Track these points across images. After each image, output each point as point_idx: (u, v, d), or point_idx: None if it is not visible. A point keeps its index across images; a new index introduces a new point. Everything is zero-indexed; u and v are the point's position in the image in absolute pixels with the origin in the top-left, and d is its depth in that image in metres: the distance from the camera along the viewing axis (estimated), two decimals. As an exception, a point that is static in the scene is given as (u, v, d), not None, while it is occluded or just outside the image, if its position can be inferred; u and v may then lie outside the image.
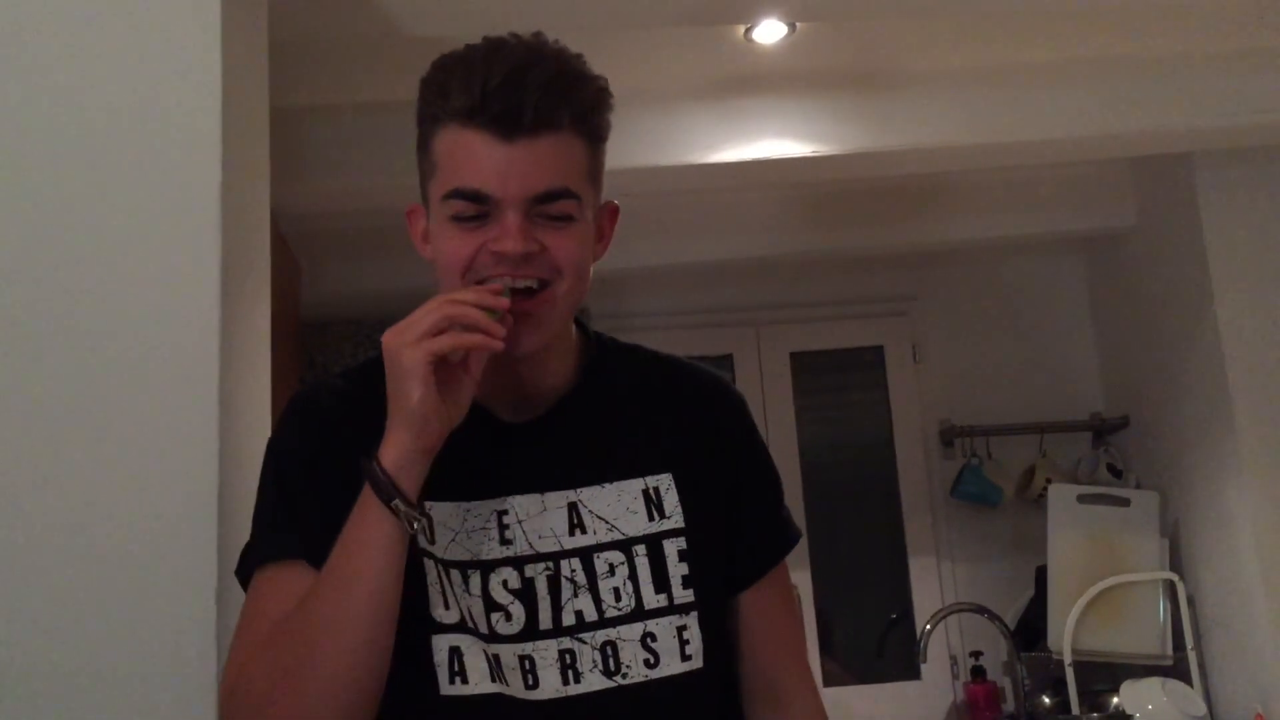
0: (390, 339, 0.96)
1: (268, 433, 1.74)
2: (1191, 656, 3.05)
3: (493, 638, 1.04)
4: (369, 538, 0.97)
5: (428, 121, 1.04)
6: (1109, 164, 3.36)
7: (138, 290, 1.50)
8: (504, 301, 0.98)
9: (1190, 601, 3.12)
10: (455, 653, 1.03)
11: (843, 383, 3.93)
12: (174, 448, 1.47)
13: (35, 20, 1.56)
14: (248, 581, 1.08)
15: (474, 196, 0.99)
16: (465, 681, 1.03)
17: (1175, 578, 3.12)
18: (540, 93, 0.98)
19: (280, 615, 1.00)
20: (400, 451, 0.96)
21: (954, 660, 3.52)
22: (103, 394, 1.47)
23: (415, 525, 0.97)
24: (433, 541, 1.03)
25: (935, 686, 3.51)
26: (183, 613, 1.42)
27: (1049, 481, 3.43)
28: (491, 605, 1.05)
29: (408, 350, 0.94)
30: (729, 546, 1.15)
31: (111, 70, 1.56)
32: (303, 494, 1.07)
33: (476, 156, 0.99)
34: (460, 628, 1.04)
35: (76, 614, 1.41)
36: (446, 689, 1.02)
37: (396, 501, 0.95)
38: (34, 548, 1.42)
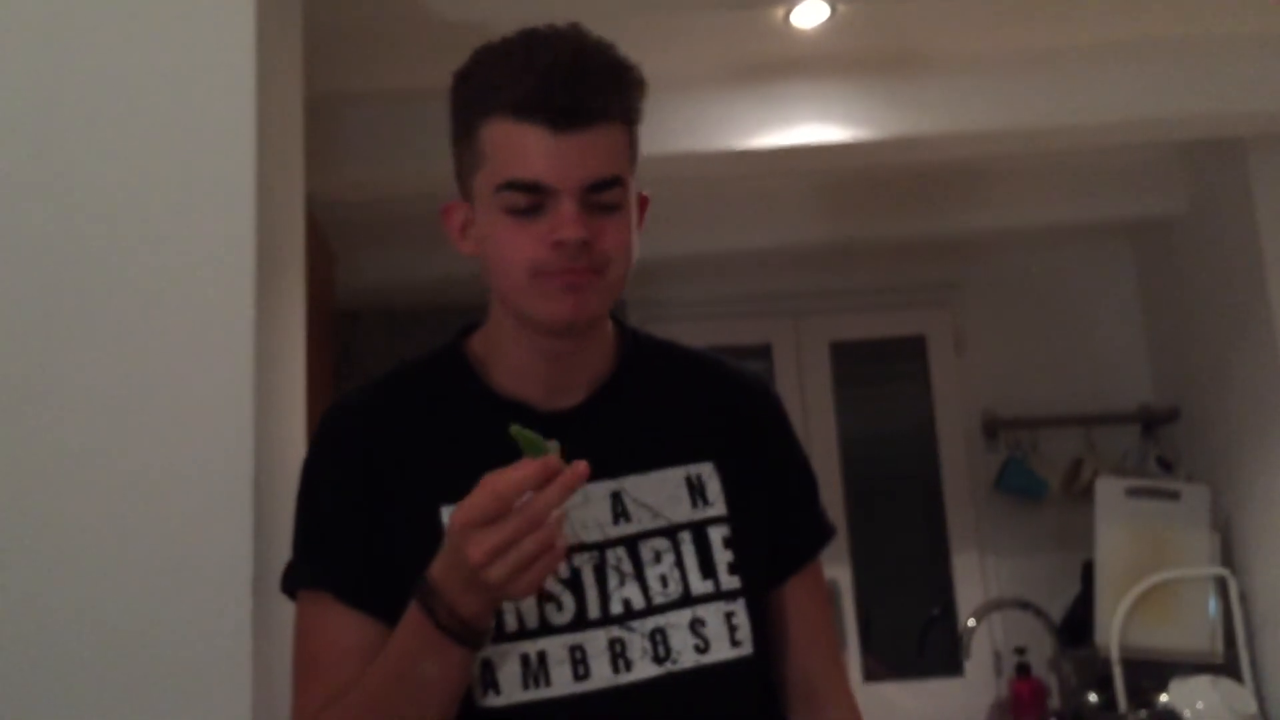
0: (486, 565, 0.91)
1: (302, 422, 1.74)
2: (1243, 654, 3.00)
3: (543, 630, 1.05)
4: (444, 673, 0.98)
5: (473, 114, 1.04)
6: (1159, 149, 3.29)
7: (173, 280, 1.50)
8: (584, 474, 0.92)
9: (1242, 598, 3.06)
10: (486, 665, 1.03)
11: (883, 373, 3.89)
12: (210, 437, 1.47)
13: (69, 8, 1.55)
14: (293, 595, 1.11)
15: (531, 187, 1.00)
16: (499, 693, 1.03)
17: (1226, 573, 3.07)
18: (590, 85, 1.01)
19: (330, 660, 1.04)
20: (482, 611, 0.97)
21: (998, 657, 3.47)
22: (139, 384, 1.47)
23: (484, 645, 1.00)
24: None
25: (978, 683, 3.47)
26: (218, 602, 1.42)
27: (1096, 474, 3.37)
28: (543, 595, 1.05)
29: (517, 588, 0.92)
30: (768, 539, 1.15)
31: (147, 59, 1.55)
32: (336, 527, 1.09)
33: (532, 149, 1.00)
34: (495, 637, 1.03)
35: (114, 610, 1.41)
36: (480, 702, 1.03)
37: (478, 639, 0.98)
38: (70, 543, 1.42)
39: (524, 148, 1.00)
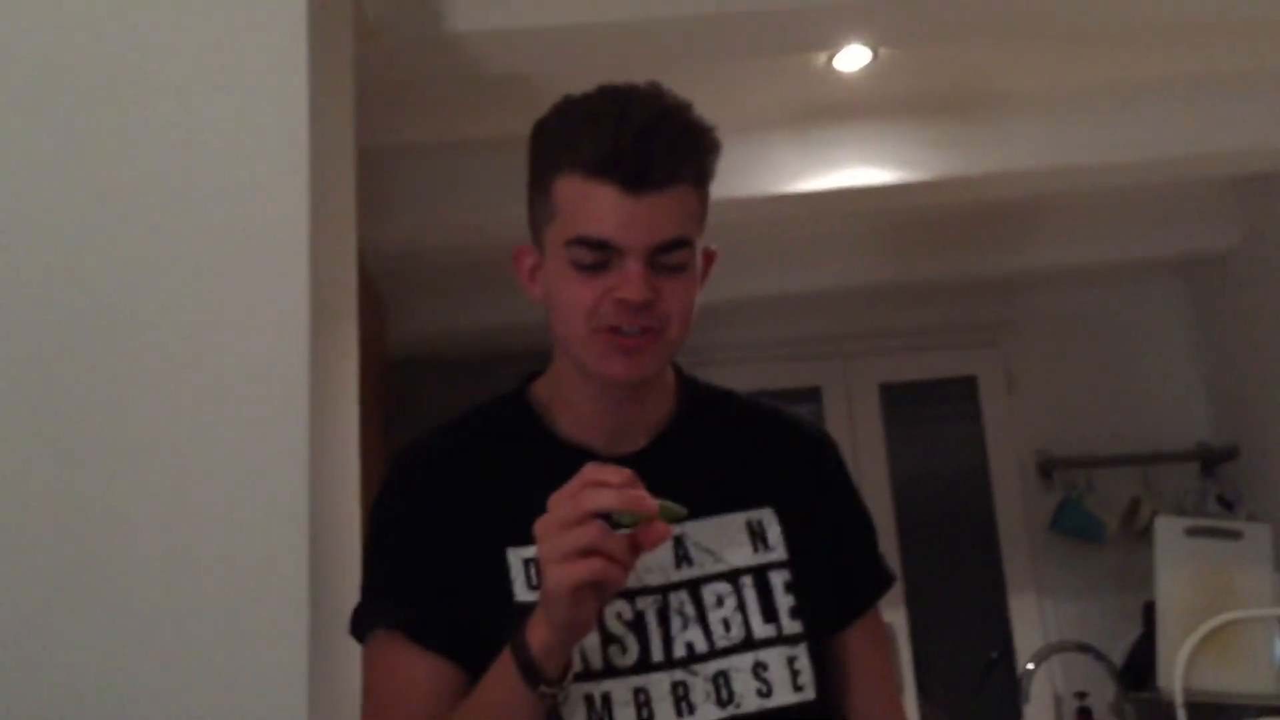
0: (543, 538, 0.95)
1: (357, 473, 1.76)
2: (1311, 697, 2.91)
3: (607, 672, 1.05)
4: (511, 706, 0.99)
5: (548, 167, 1.06)
6: (1210, 184, 3.27)
7: (229, 332, 1.52)
8: (652, 505, 0.95)
9: (1309, 639, 2.98)
10: (552, 714, 1.02)
11: (934, 414, 3.86)
12: (265, 489, 1.48)
13: (125, 64, 1.59)
14: (362, 638, 1.12)
15: (599, 245, 1.03)
16: None
17: (1292, 614, 2.98)
18: (668, 151, 1.02)
19: (401, 702, 1.05)
20: (546, 640, 0.97)
21: (1058, 701, 3.41)
22: (195, 435, 1.48)
23: (553, 701, 0.99)
24: (565, 703, 1.04)
25: (1039, 728, 3.40)
26: (275, 653, 1.42)
27: (1155, 514, 3.31)
28: (609, 638, 1.06)
29: (554, 568, 0.94)
30: (830, 585, 1.15)
31: (201, 116, 1.58)
32: (407, 570, 1.10)
33: (603, 208, 1.02)
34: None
35: (169, 659, 1.42)
36: None
37: (543, 687, 0.98)
38: (129, 595, 1.43)
39: (595, 206, 1.02)
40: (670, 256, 1.04)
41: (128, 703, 1.40)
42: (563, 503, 0.94)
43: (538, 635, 0.97)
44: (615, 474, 0.94)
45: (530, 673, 0.97)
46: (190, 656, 1.42)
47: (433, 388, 3.60)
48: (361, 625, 1.11)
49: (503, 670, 0.99)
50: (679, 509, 0.96)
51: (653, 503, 0.93)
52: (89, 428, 1.48)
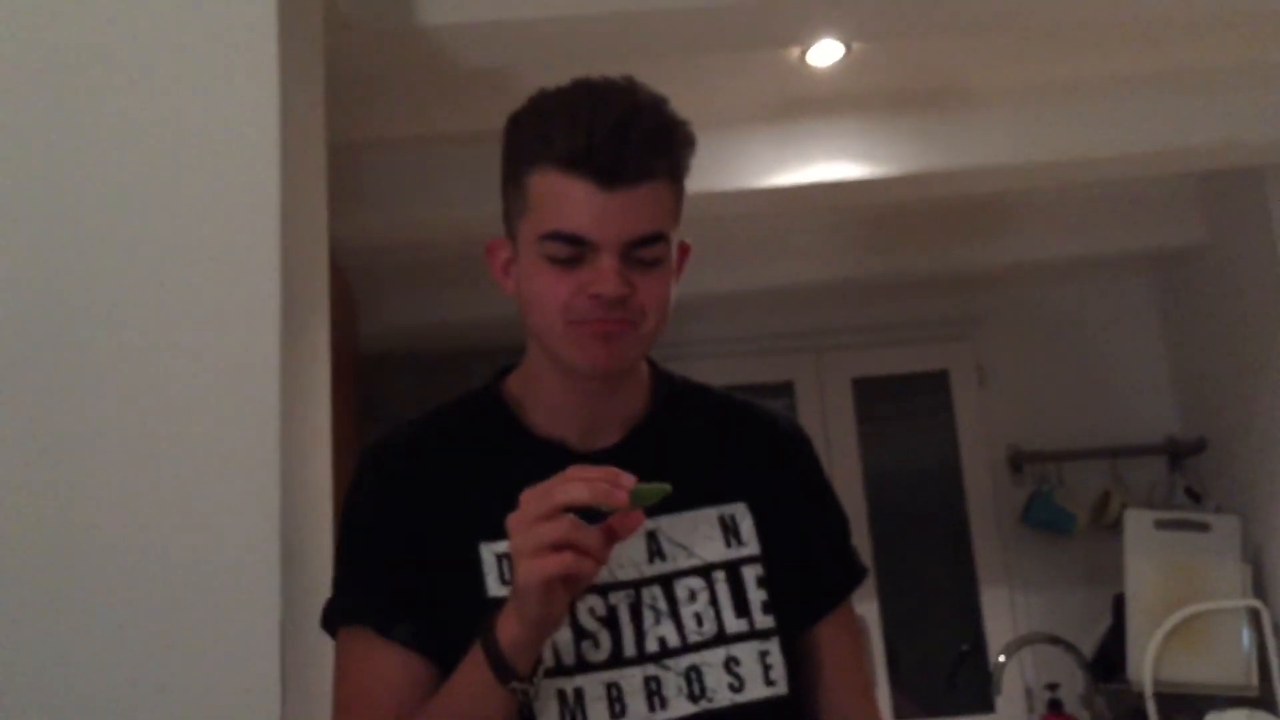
0: (515, 532, 0.95)
1: (329, 469, 1.75)
2: (1278, 686, 2.95)
3: (579, 667, 1.05)
4: (482, 701, 0.99)
5: (524, 161, 1.06)
6: (1178, 180, 3.30)
7: (199, 327, 1.51)
8: (622, 498, 0.94)
9: (1276, 629, 3.03)
10: (524, 709, 1.03)
11: (907, 409, 3.88)
12: (236, 484, 1.47)
13: (94, 57, 1.58)
14: (334, 632, 1.11)
15: (573, 240, 1.02)
16: None
17: (1259, 604, 3.03)
18: (642, 146, 1.02)
19: (373, 699, 1.04)
20: (517, 636, 0.97)
21: (1029, 693, 3.44)
22: (164, 431, 1.48)
23: (524, 697, 0.99)
24: (536, 699, 1.04)
25: (1010, 720, 3.43)
26: (246, 648, 1.42)
27: (1124, 507, 3.35)
28: (581, 633, 1.06)
29: (526, 563, 0.94)
30: (801, 579, 1.16)
31: (171, 109, 1.57)
32: (380, 564, 1.10)
33: (577, 202, 1.02)
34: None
35: (140, 655, 1.41)
36: None
37: (514, 683, 0.98)
38: (98, 590, 1.42)
39: (569, 201, 1.02)
40: (645, 251, 1.04)
41: (99, 697, 1.39)
42: (535, 497, 0.94)
43: (508, 631, 0.97)
44: (597, 473, 0.94)
45: (501, 668, 0.97)
46: (161, 652, 1.42)
47: (405, 383, 3.59)
48: (333, 619, 1.11)
49: (473, 665, 0.99)
50: (662, 487, 0.95)
51: (624, 496, 0.93)
52: (57, 423, 1.47)
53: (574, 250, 1.03)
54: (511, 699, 0.98)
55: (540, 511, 0.93)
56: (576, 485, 0.93)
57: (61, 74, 1.57)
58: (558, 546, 0.92)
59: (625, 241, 1.03)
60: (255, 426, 1.48)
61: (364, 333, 3.10)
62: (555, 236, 1.03)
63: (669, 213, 1.07)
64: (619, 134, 1.01)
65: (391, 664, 1.05)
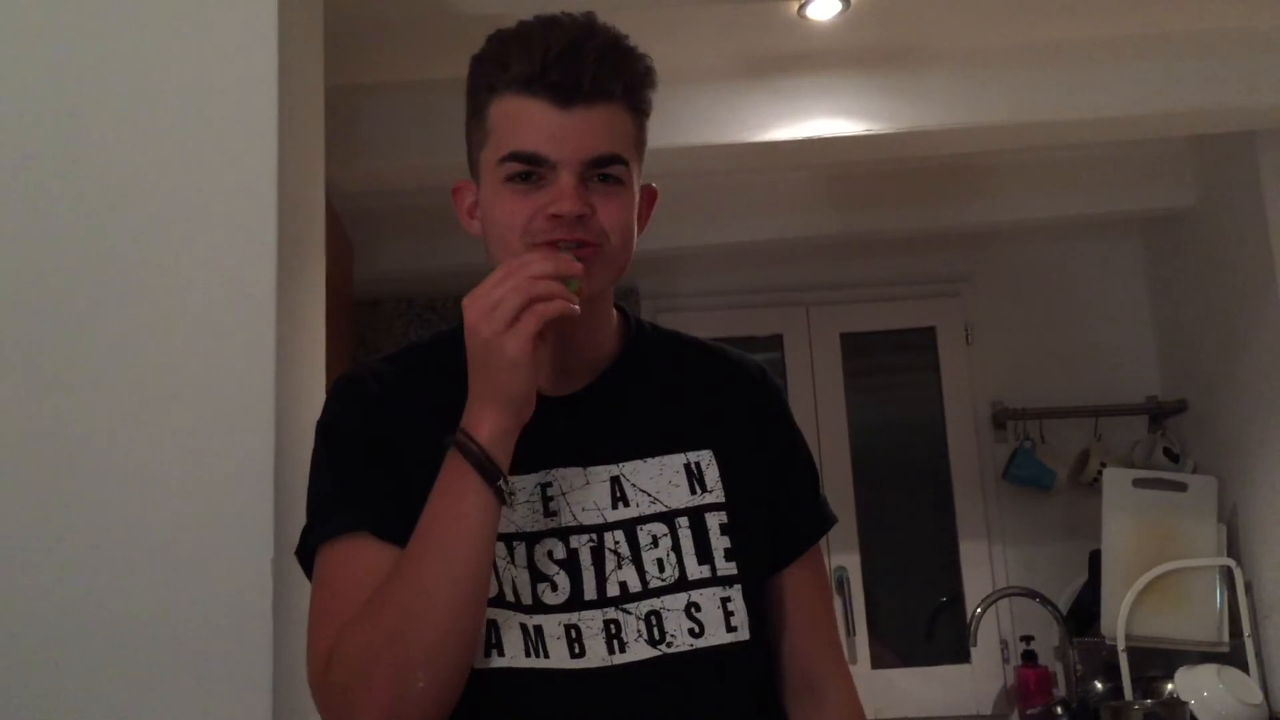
0: (479, 322, 0.97)
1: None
2: (1248, 644, 3.01)
3: (537, 608, 1.06)
4: (465, 509, 0.99)
5: (483, 92, 1.07)
6: (1167, 143, 3.30)
7: (196, 270, 1.53)
8: (578, 267, 1.00)
9: (1248, 588, 3.08)
10: (492, 626, 1.04)
11: (894, 364, 3.91)
12: (231, 425, 1.49)
13: (90, 5, 1.58)
14: (309, 560, 1.09)
15: (531, 159, 1.03)
16: (502, 654, 1.04)
17: (1233, 564, 3.08)
18: (597, 64, 1.02)
19: (359, 588, 1.02)
20: (497, 429, 0.99)
21: (1004, 645, 3.50)
22: (161, 373, 1.49)
23: (509, 498, 1.00)
24: (513, 508, 1.06)
25: (985, 670, 3.50)
26: (239, 585, 1.44)
27: (1104, 465, 3.39)
28: (538, 576, 1.07)
29: (508, 339, 0.95)
30: (768, 526, 1.16)
31: (168, 52, 1.58)
32: (361, 471, 1.09)
33: (534, 122, 1.02)
34: (497, 601, 1.05)
35: (134, 595, 1.44)
36: (483, 662, 1.03)
37: (501, 482, 0.98)
38: (90, 531, 1.45)
39: (527, 121, 1.03)
40: (603, 170, 1.04)
41: (91, 647, 1.42)
42: (497, 278, 0.98)
43: (485, 427, 0.98)
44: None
45: (486, 467, 0.97)
46: (152, 595, 1.43)
47: (399, 327, 3.61)
48: (319, 536, 1.07)
49: (449, 481, 0.99)
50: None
51: (580, 267, 0.99)
52: (54, 360, 1.49)
53: (531, 168, 1.03)
54: (493, 509, 0.98)
55: (492, 283, 0.97)
56: (538, 260, 0.97)
57: (60, 15, 1.57)
58: (527, 306, 0.96)
59: (583, 160, 1.03)
60: (251, 369, 1.50)
61: (359, 277, 3.11)
62: (513, 157, 1.03)
63: (628, 138, 1.06)
64: (573, 53, 1.02)
65: (384, 560, 1.02)
